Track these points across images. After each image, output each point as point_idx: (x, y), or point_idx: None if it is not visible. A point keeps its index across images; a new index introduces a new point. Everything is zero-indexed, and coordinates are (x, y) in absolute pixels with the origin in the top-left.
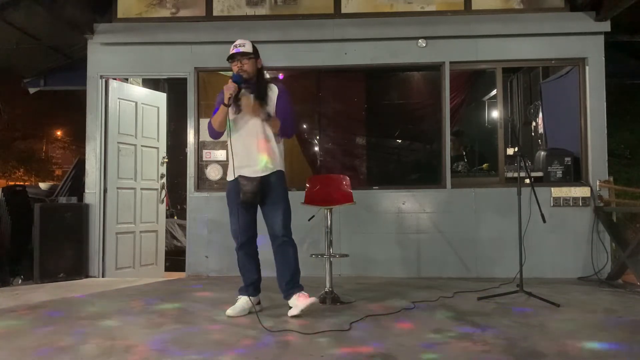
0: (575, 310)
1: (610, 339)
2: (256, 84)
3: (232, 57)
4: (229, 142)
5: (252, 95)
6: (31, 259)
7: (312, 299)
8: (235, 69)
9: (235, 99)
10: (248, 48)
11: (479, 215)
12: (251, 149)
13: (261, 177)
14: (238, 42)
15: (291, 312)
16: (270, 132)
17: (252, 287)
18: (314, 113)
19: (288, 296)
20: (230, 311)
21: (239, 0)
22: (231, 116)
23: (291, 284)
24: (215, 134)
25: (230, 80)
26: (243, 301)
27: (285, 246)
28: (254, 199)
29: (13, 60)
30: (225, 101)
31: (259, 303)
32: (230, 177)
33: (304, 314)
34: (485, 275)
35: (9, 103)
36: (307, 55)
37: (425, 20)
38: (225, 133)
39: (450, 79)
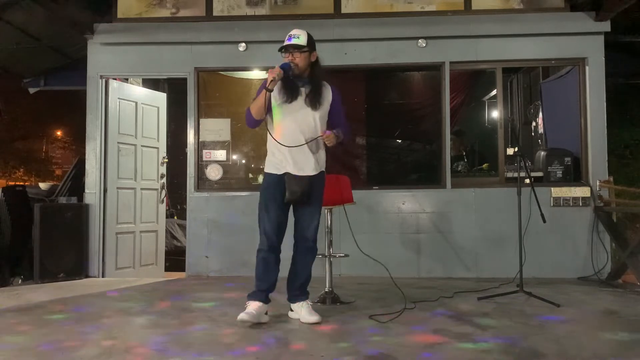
0: (575, 310)
1: (610, 339)
2: (310, 79)
3: (284, 49)
4: (272, 132)
5: (303, 90)
6: (31, 259)
7: (317, 319)
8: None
9: (287, 88)
10: (302, 40)
11: (479, 215)
12: (302, 144)
13: (311, 176)
14: (293, 32)
15: (292, 315)
16: (321, 129)
17: (266, 293)
18: None
19: (294, 300)
20: (245, 316)
21: (239, 0)
22: (278, 105)
23: (301, 290)
24: (253, 121)
25: (277, 66)
26: (256, 306)
27: (311, 252)
28: (302, 198)
29: (13, 60)
30: (268, 85)
31: (266, 313)
32: (272, 170)
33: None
34: (485, 275)
35: (9, 103)
36: None
37: (425, 20)
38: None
39: (450, 79)
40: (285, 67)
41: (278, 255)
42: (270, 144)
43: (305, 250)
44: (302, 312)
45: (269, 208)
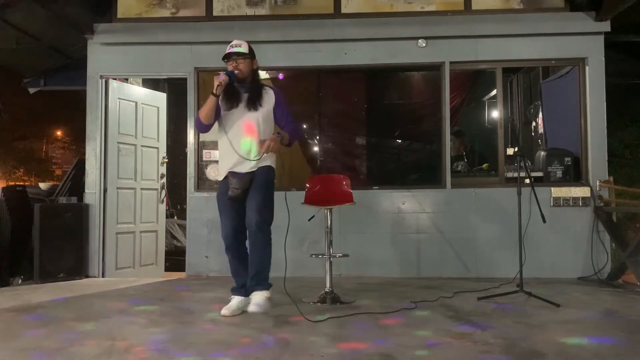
0: (575, 310)
1: (610, 339)
2: (251, 85)
3: (227, 57)
4: (220, 140)
5: (246, 95)
6: (31, 259)
7: (256, 309)
8: (230, 68)
9: (229, 95)
10: (244, 48)
11: (479, 215)
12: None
13: (250, 172)
14: (234, 42)
15: (250, 309)
16: (264, 130)
17: (244, 288)
18: (314, 113)
19: (250, 291)
20: (225, 311)
21: (239, 0)
22: (223, 113)
23: (256, 279)
24: (202, 126)
25: (222, 73)
26: (237, 301)
27: (256, 237)
28: (243, 194)
29: (13, 60)
30: (214, 91)
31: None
32: (221, 177)
33: (264, 311)
34: (485, 275)
35: (9, 103)
36: (307, 55)
37: (425, 20)
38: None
39: (450, 79)
40: (230, 74)
41: (240, 253)
42: (220, 151)
43: (251, 235)
44: (255, 296)
45: (222, 212)
